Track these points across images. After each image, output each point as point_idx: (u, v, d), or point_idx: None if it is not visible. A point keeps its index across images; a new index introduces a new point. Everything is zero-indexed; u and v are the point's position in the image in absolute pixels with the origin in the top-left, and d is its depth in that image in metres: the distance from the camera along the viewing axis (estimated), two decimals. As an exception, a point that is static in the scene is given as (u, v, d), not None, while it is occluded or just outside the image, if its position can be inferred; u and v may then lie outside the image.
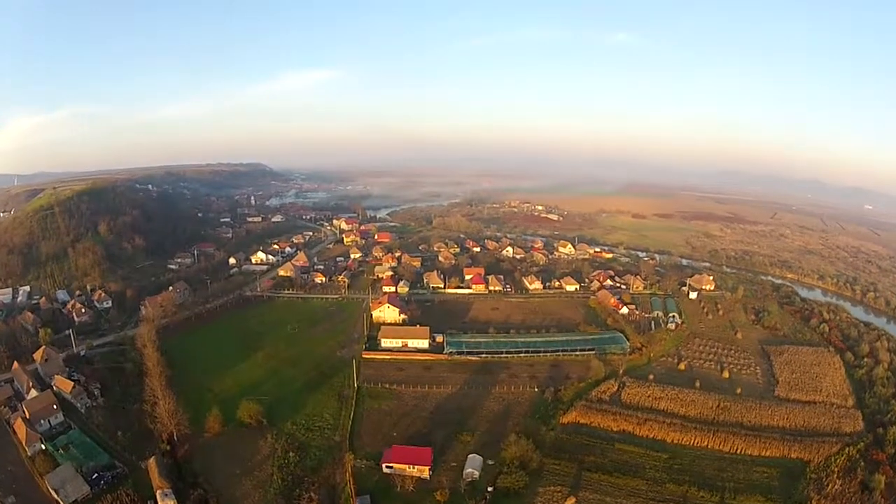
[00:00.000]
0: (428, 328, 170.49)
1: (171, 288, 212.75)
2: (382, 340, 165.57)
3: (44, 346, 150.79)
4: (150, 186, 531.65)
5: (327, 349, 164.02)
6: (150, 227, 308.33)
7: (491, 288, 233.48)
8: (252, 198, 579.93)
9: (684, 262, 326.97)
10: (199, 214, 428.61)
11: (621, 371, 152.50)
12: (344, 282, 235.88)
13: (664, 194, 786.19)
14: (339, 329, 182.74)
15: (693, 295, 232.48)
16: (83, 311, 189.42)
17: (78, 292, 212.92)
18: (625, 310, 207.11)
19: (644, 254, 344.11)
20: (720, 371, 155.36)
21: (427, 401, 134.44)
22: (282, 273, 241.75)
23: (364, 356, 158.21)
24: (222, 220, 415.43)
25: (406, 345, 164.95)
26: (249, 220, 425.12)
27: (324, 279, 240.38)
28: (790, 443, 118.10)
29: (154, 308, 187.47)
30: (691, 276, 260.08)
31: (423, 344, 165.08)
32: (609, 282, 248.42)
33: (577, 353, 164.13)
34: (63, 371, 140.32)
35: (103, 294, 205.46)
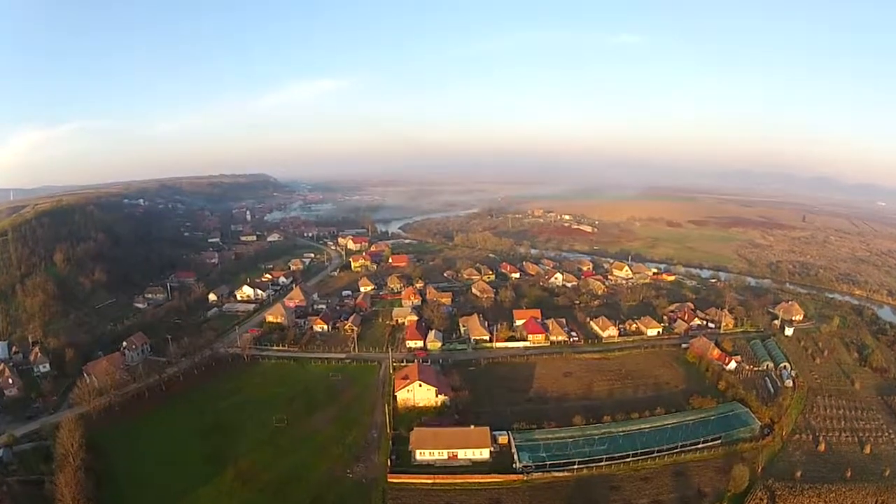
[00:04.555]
0: (487, 430, 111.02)
1: (124, 344, 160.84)
2: (417, 452, 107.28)
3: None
4: (141, 201, 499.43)
5: (332, 462, 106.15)
6: (117, 255, 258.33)
7: (553, 338, 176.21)
8: (248, 212, 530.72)
9: (752, 281, 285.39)
10: (185, 234, 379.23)
11: (760, 469, 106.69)
12: (353, 331, 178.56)
13: (685, 197, 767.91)
14: (349, 418, 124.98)
15: (789, 331, 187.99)
16: (11, 381, 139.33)
17: (15, 348, 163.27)
18: (732, 364, 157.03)
19: (706, 272, 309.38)
20: (860, 446, 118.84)
21: (504, 579, 79.86)
22: (270, 319, 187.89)
23: (390, 479, 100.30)
24: (210, 240, 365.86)
25: (455, 456, 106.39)
26: (243, 238, 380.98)
27: (325, 327, 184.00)
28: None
29: (99, 377, 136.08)
30: (776, 305, 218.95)
31: (482, 454, 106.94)
32: (697, 320, 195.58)
33: (701, 445, 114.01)
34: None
35: (39, 353, 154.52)
